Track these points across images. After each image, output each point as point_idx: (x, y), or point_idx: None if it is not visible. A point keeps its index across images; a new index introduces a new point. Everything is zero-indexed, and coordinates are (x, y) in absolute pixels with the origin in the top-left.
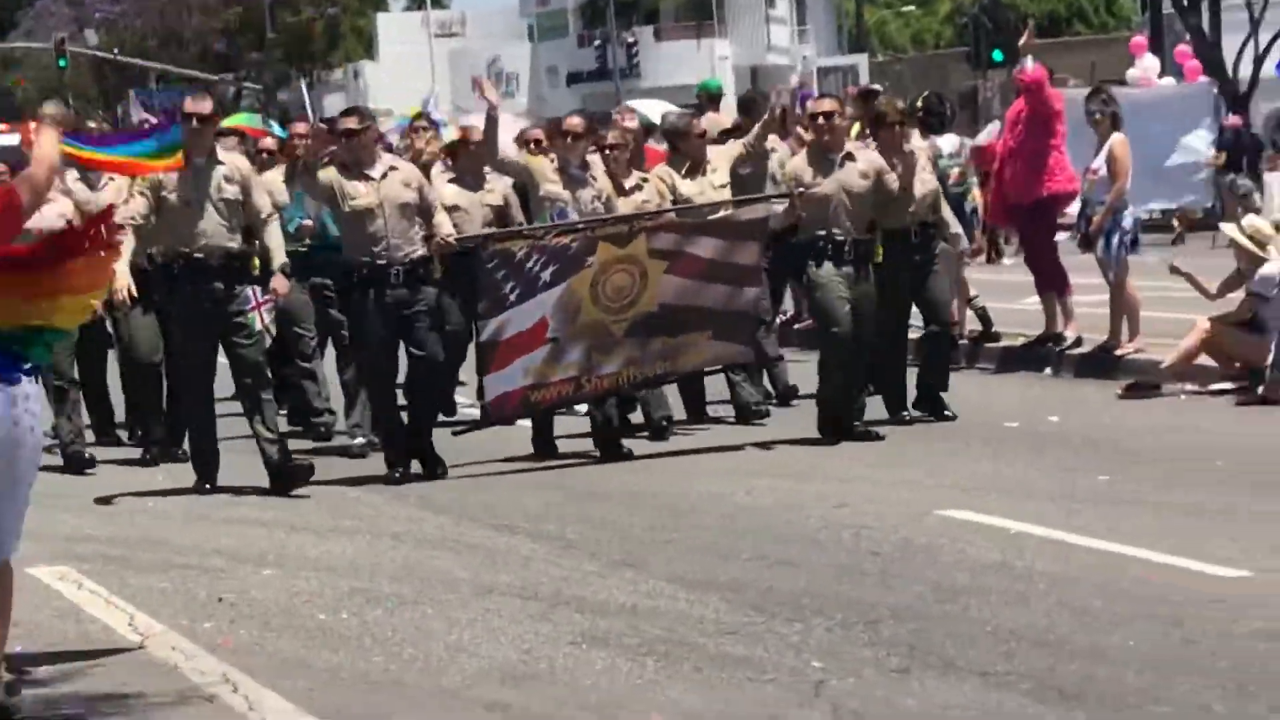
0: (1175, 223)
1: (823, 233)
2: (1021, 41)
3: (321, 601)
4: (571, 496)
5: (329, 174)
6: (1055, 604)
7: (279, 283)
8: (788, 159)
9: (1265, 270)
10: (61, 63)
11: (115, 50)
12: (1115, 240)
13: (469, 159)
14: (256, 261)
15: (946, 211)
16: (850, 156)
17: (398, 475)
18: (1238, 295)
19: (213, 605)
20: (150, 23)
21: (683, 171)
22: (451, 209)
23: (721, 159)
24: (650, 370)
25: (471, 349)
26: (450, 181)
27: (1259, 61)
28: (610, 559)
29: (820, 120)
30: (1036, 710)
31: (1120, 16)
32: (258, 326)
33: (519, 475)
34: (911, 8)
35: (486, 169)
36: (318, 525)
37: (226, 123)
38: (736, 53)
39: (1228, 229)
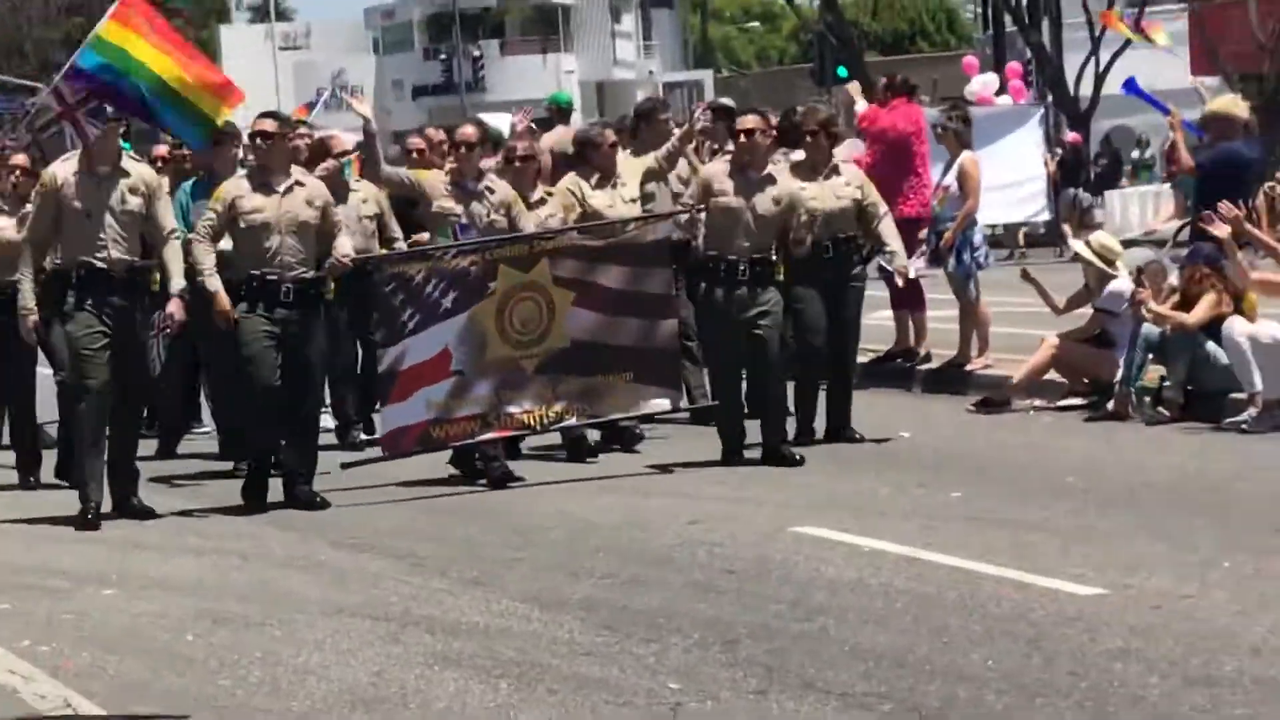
0: (1020, 238)
1: (714, 253)
2: (844, 99)
3: (166, 623)
4: (421, 513)
5: (234, 184)
6: (913, 622)
7: (175, 307)
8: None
9: (1113, 287)
10: None
11: None
12: (966, 256)
13: (329, 176)
14: (156, 278)
15: (888, 227)
16: (771, 180)
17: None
18: (1085, 311)
19: (53, 627)
20: None
21: (592, 183)
22: None
23: (631, 172)
24: (566, 412)
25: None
26: None
27: (1099, 79)
28: (461, 577)
29: (742, 138)
30: None
31: (962, 35)
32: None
33: (367, 490)
34: (756, 24)
35: (353, 180)
36: (162, 544)
37: None
38: (582, 67)
39: (1076, 245)
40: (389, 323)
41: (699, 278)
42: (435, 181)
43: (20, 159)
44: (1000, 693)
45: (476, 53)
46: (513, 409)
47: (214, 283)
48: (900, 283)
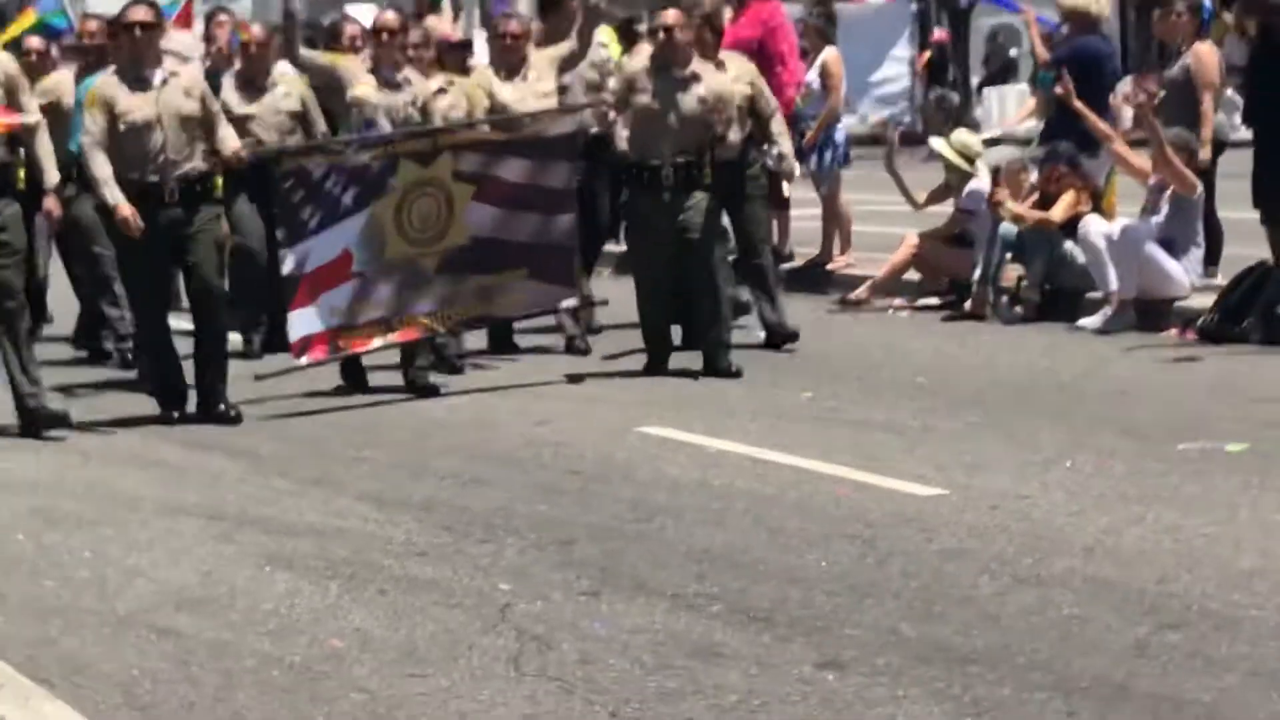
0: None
1: (637, 159)
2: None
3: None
4: (265, 412)
5: (106, 84)
6: (751, 523)
7: (51, 203)
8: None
9: (973, 185)
10: None
11: None
12: (828, 155)
13: (253, 61)
14: (21, 174)
15: (778, 127)
16: (696, 77)
17: (175, 416)
18: (945, 210)
19: None
20: None
21: (501, 76)
22: (244, 119)
23: (544, 63)
24: (466, 312)
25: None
26: (237, 89)
27: None
28: (302, 477)
29: (660, 34)
30: (725, 633)
31: None
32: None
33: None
34: None
35: (277, 70)
36: (2, 443)
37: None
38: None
39: (936, 144)
40: (289, 222)
41: (625, 184)
42: (355, 68)
43: None
44: (831, 594)
45: None
46: (415, 310)
47: (114, 193)
48: (787, 184)
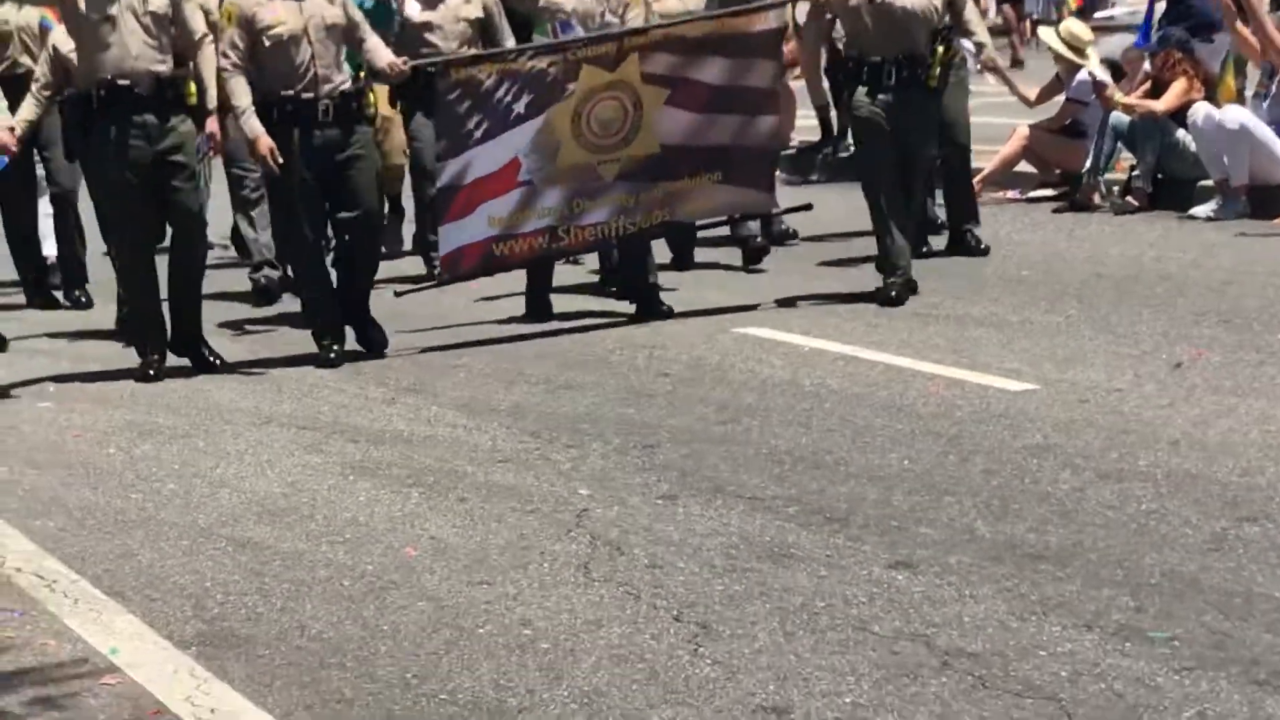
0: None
1: (855, 54)
2: None
3: (91, 435)
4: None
5: None
6: (838, 422)
7: (215, 125)
8: None
9: (1082, 75)
10: None
11: None
12: None
13: None
14: (193, 89)
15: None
16: None
17: (332, 355)
18: (1058, 100)
19: None
20: None
21: None
22: (422, 27)
23: None
24: (644, 220)
25: None
26: None
27: None
28: (396, 385)
29: None
30: (798, 535)
31: None
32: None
33: None
34: None
35: None
36: (105, 355)
37: None
38: None
39: (1045, 34)
40: (451, 133)
41: (844, 83)
42: None
43: None
44: (909, 493)
45: None
46: (586, 220)
47: (254, 123)
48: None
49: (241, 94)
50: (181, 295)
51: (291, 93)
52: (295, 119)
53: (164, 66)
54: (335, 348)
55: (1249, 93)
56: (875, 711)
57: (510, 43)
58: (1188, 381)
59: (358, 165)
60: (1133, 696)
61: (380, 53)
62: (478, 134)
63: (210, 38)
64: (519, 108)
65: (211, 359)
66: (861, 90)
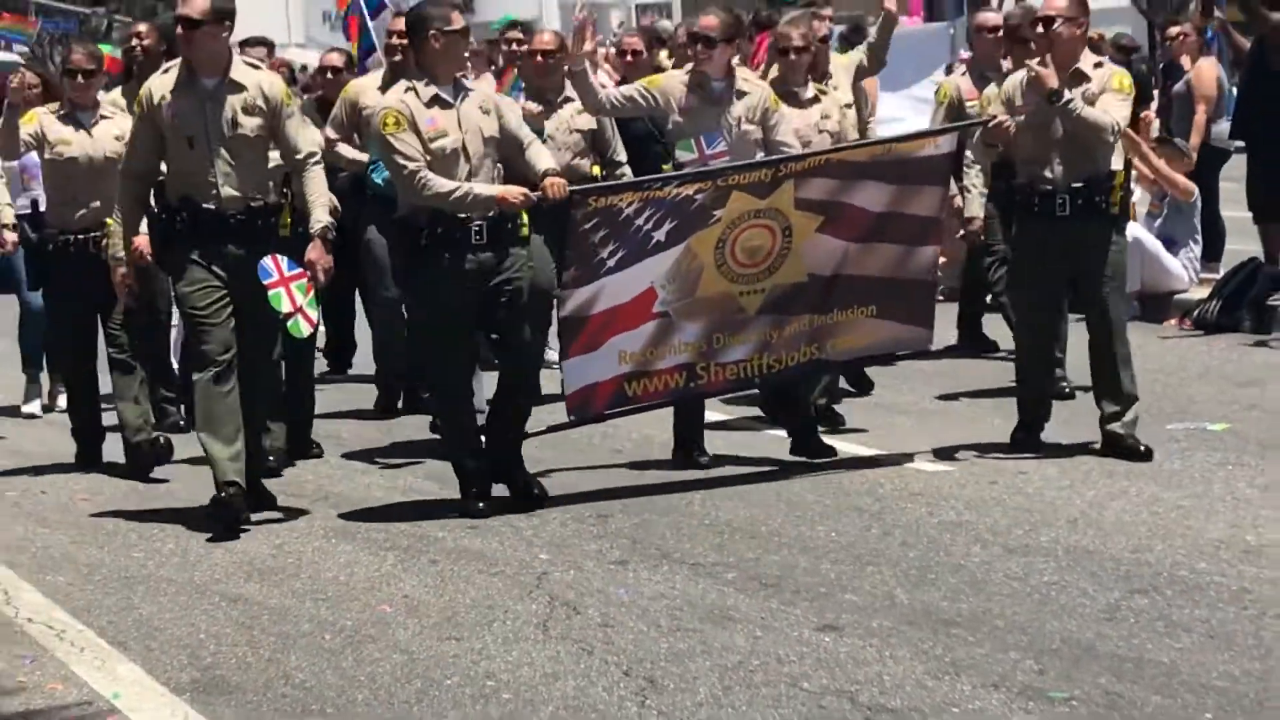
0: None
1: (1024, 180)
2: None
3: (100, 499)
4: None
5: (402, 101)
6: (773, 498)
7: (317, 253)
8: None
9: None
10: None
11: None
12: None
13: (545, 73)
14: (287, 219)
15: None
16: (1079, 77)
17: (481, 506)
18: None
19: None
20: None
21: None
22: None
23: (841, 71)
24: (789, 357)
25: None
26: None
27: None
28: (373, 457)
29: (1040, 31)
30: (736, 599)
31: None
32: (284, 307)
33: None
34: None
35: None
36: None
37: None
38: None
39: None
40: (582, 261)
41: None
42: (674, 86)
43: (80, 58)
44: (835, 562)
45: None
46: (727, 357)
47: (481, 188)
48: None
49: (441, 181)
50: (250, 413)
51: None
52: (446, 242)
53: (256, 192)
54: (483, 502)
55: (1143, 210)
56: None
57: (621, 154)
58: (1085, 466)
59: (511, 289)
60: None
61: (542, 160)
62: (611, 263)
63: (317, 157)
64: (659, 235)
65: (268, 495)
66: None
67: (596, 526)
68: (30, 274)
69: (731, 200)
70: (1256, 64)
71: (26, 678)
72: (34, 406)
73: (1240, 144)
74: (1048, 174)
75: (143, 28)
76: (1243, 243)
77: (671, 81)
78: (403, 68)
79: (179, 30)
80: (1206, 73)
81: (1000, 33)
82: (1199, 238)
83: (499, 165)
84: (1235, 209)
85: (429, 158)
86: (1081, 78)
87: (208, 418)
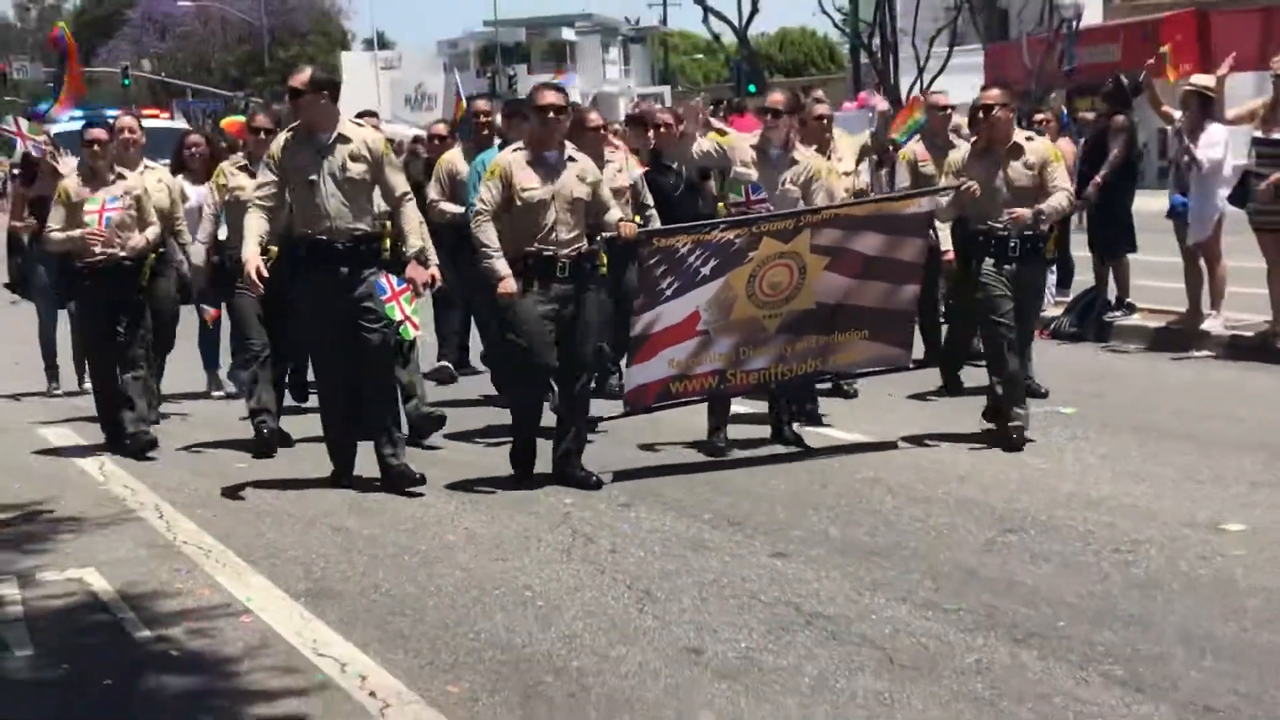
0: None
1: (983, 227)
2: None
3: (236, 454)
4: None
5: (512, 160)
6: (744, 462)
7: (415, 271)
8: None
9: None
10: (125, 82)
11: (163, 74)
12: None
13: (590, 142)
14: (387, 244)
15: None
16: (1017, 150)
17: (521, 482)
18: None
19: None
20: (188, 56)
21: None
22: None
23: (847, 147)
24: (799, 368)
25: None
26: None
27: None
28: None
29: (981, 115)
30: (710, 533)
31: (838, 63)
32: (396, 316)
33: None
34: (700, 55)
35: (607, 151)
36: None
37: (224, 122)
38: (581, 83)
39: None
40: (648, 289)
41: (968, 252)
42: (742, 145)
43: (262, 120)
44: (785, 507)
45: (511, 72)
46: (750, 365)
47: (502, 265)
48: None
49: (490, 234)
50: (371, 426)
51: (533, 249)
52: (535, 270)
53: (362, 225)
54: (523, 475)
55: None
56: (761, 653)
57: (649, 199)
58: (971, 438)
59: (586, 317)
60: (934, 647)
61: (615, 213)
62: (668, 292)
63: (410, 196)
64: (705, 270)
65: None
66: (989, 260)
67: (609, 480)
68: (212, 291)
69: (762, 245)
70: (1097, 138)
71: (182, 585)
72: (220, 392)
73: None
74: (996, 224)
75: (261, 116)
76: (1084, 274)
77: (741, 142)
78: (486, 139)
79: (289, 98)
80: (1065, 150)
81: (949, 111)
82: (1054, 270)
83: (585, 220)
84: (1079, 249)
85: (519, 204)
86: (1019, 150)
87: (330, 424)
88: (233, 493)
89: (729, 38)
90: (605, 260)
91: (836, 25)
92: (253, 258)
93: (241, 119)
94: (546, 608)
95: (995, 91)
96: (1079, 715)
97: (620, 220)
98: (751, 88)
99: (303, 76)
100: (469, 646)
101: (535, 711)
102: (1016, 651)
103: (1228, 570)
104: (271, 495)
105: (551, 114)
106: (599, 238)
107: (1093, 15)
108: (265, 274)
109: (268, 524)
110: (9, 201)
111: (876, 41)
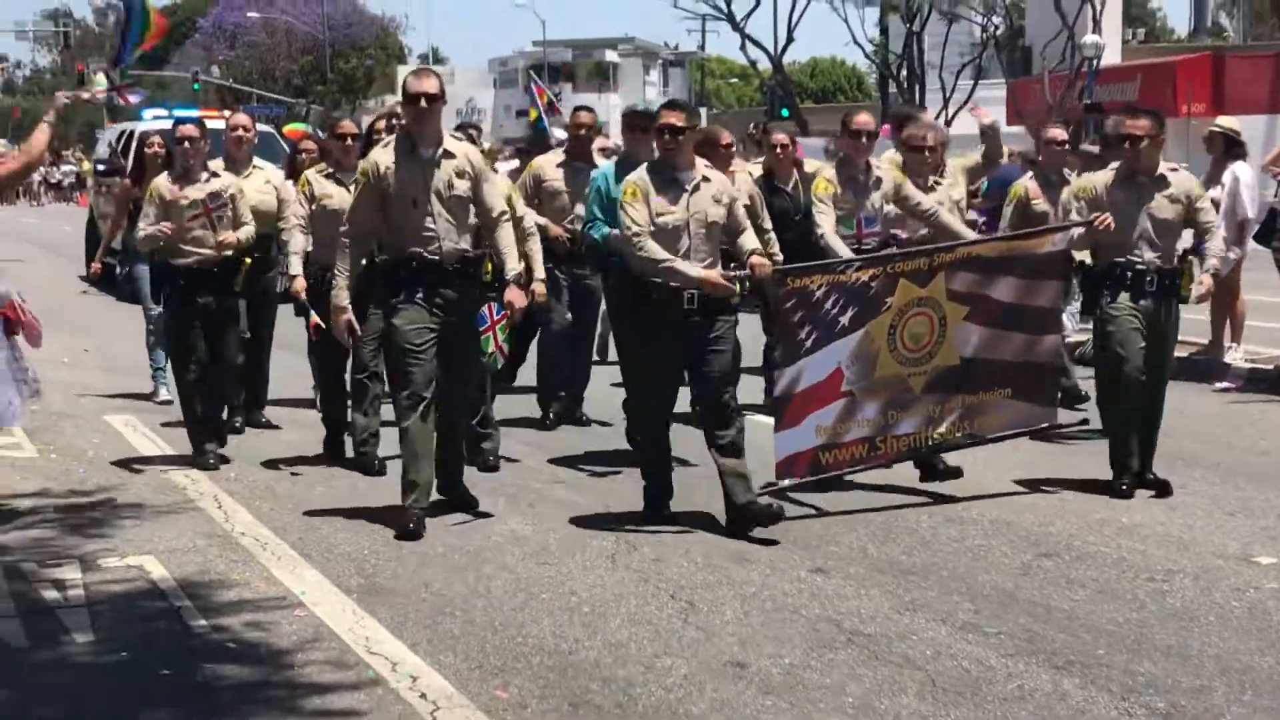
0: None
1: (1120, 260)
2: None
3: (299, 459)
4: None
5: (645, 179)
6: None
7: (514, 294)
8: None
9: None
10: (195, 87)
11: (231, 80)
12: None
13: (722, 161)
14: (489, 267)
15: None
16: (1162, 182)
17: (665, 515)
18: None
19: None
20: (254, 64)
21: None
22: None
23: (957, 170)
24: (948, 432)
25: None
26: None
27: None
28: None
29: (1127, 144)
30: (751, 546)
31: (865, 92)
32: (489, 348)
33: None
34: (735, 79)
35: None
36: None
37: (286, 129)
38: (623, 103)
39: None
40: (787, 341)
41: (1100, 287)
42: (828, 179)
43: (349, 126)
44: (824, 523)
45: (557, 90)
46: (899, 431)
47: (694, 268)
48: None
49: (656, 249)
50: (444, 441)
51: (660, 281)
52: (665, 303)
53: (466, 244)
54: (661, 511)
55: None
56: (805, 670)
57: (768, 223)
58: (1010, 460)
59: (717, 349)
60: (975, 671)
61: (749, 242)
62: (808, 344)
63: (508, 215)
64: (844, 320)
65: (470, 498)
66: (1124, 296)
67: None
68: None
69: (899, 289)
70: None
71: (239, 576)
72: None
73: None
74: (1134, 258)
75: (381, 123)
76: None
77: (825, 174)
78: (585, 151)
79: (412, 105)
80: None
81: (1065, 145)
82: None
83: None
84: None
85: (653, 229)
86: (1164, 182)
87: (410, 449)
88: (290, 487)
89: (764, 64)
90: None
91: (868, 56)
92: (345, 313)
93: (302, 126)
94: (592, 614)
95: (1143, 120)
96: None
97: (754, 252)
98: (785, 112)
99: (431, 83)
100: (517, 651)
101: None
102: (1058, 679)
103: (1262, 604)
104: (328, 491)
105: (668, 135)
106: (734, 274)
107: (1112, 56)
108: (358, 332)
109: (323, 520)
110: (89, 196)
111: (904, 73)
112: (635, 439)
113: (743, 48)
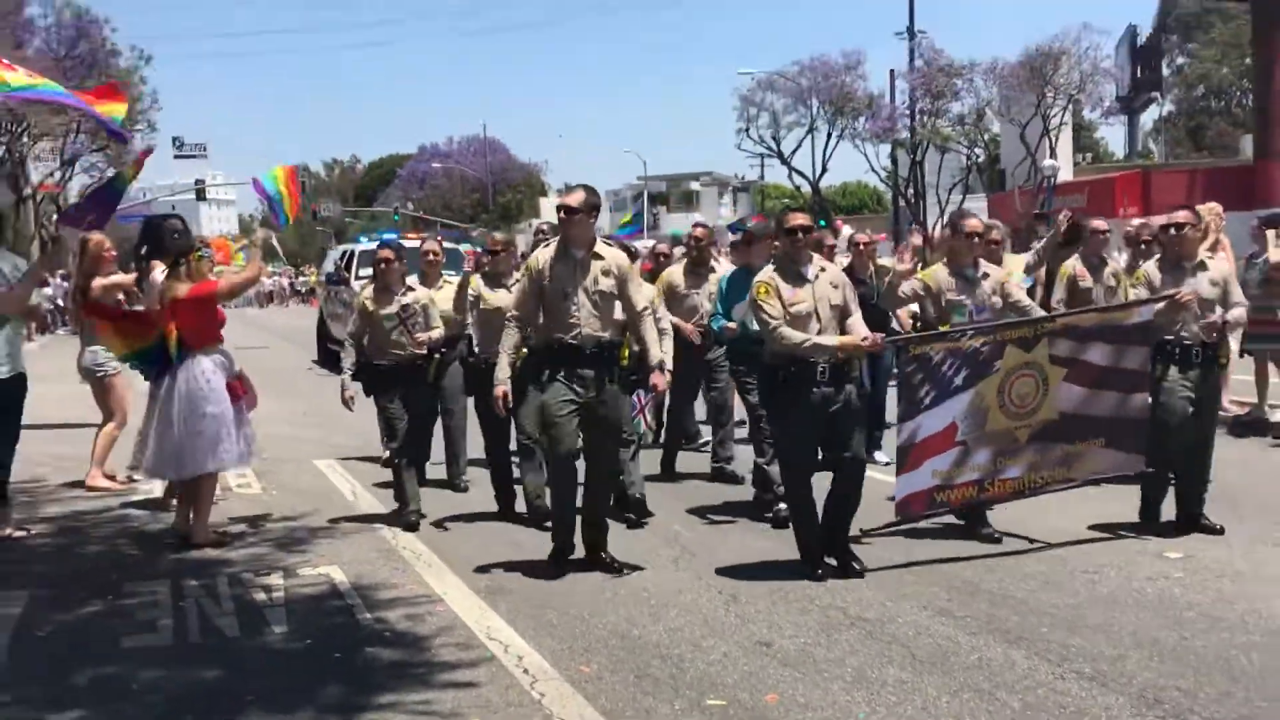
0: None
1: (1170, 337)
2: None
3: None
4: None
5: (774, 277)
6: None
7: (657, 378)
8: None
9: None
10: (395, 217)
11: (421, 211)
12: None
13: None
14: (625, 351)
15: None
16: (1203, 265)
17: (819, 573)
18: None
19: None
20: (437, 200)
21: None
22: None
23: (1016, 263)
24: (1049, 476)
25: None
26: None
27: None
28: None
29: (1172, 231)
30: (779, 550)
31: (883, 206)
32: (641, 427)
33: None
34: (786, 200)
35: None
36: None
37: (465, 247)
38: (705, 219)
39: None
40: (909, 398)
41: (1154, 360)
42: (941, 276)
43: (499, 238)
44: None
45: (655, 211)
46: (1007, 474)
47: (834, 340)
48: None
49: (795, 335)
50: (589, 506)
51: (800, 358)
52: (802, 377)
53: (607, 333)
54: (820, 570)
55: None
56: (815, 648)
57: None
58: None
59: (846, 414)
60: (946, 645)
61: (859, 328)
62: (926, 401)
63: (650, 310)
64: (958, 380)
65: (611, 562)
66: (1174, 370)
67: (711, 513)
68: (466, 386)
69: (1006, 353)
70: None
71: (398, 581)
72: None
73: None
74: (1184, 334)
75: (496, 236)
76: None
77: (940, 272)
78: (702, 261)
79: (561, 215)
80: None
81: (1106, 234)
82: None
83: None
84: None
85: (789, 317)
86: (1204, 266)
87: (557, 502)
88: (443, 516)
89: (806, 188)
90: (856, 365)
91: (882, 180)
92: (503, 384)
93: (473, 246)
94: (657, 606)
95: (1184, 213)
96: (1056, 705)
97: (861, 332)
98: (822, 222)
99: (577, 196)
100: (598, 635)
101: (645, 688)
102: (1009, 651)
103: (1169, 590)
104: (462, 519)
105: (799, 234)
106: (884, 341)
107: (1066, 174)
108: (511, 404)
109: (461, 536)
110: (319, 300)
111: (911, 191)
112: (764, 497)
113: (790, 176)
